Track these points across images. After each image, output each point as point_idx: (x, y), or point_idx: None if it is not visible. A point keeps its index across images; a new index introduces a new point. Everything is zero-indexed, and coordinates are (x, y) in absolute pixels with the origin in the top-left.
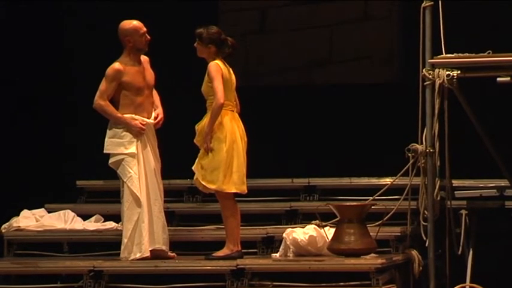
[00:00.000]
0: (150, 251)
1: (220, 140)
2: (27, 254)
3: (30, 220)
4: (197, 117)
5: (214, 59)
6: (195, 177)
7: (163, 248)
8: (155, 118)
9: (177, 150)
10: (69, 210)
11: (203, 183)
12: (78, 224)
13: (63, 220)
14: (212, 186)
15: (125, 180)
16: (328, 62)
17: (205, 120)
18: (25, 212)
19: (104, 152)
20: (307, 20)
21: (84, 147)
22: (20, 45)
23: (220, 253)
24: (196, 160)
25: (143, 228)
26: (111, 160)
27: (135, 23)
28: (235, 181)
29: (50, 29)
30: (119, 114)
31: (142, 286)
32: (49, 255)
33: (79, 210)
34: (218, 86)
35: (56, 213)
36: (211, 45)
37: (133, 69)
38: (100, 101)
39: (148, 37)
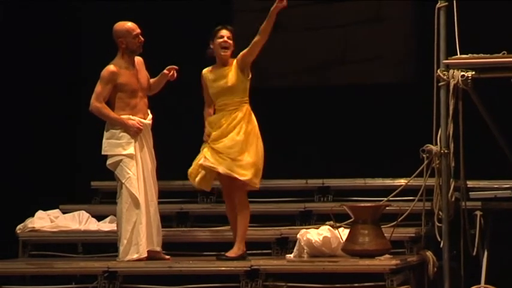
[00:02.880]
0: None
1: (254, 131)
2: (42, 254)
3: (45, 221)
4: None
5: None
6: (222, 169)
7: (158, 249)
8: (168, 70)
9: (190, 151)
10: (83, 211)
11: (233, 174)
12: (93, 224)
13: (78, 221)
14: (243, 178)
15: (123, 181)
16: (342, 62)
17: (229, 117)
18: (40, 213)
19: (102, 153)
20: (321, 20)
21: (98, 148)
22: (34, 46)
23: (232, 253)
24: (213, 152)
25: (141, 229)
26: (109, 161)
27: (129, 24)
28: (260, 177)
29: (60, 31)
30: (116, 115)
31: (156, 287)
32: (64, 256)
33: (93, 211)
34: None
35: (71, 214)
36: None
37: (127, 71)
38: (96, 103)
39: (142, 39)
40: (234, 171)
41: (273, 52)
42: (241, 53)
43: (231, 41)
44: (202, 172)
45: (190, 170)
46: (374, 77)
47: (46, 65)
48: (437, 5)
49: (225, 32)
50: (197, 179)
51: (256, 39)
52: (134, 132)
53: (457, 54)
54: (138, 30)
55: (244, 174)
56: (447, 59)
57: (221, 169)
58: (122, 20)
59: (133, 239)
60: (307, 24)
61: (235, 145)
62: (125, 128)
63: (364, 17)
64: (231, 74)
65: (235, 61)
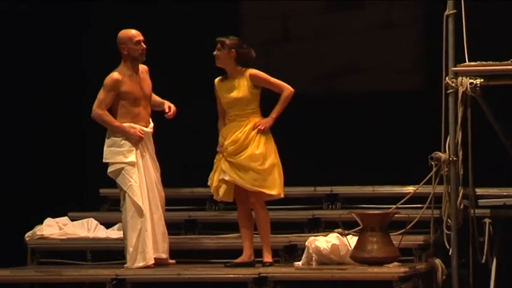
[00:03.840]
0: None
1: (272, 141)
2: (50, 262)
3: (54, 228)
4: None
5: (236, 66)
6: (250, 186)
7: (164, 256)
8: (168, 108)
9: (199, 158)
10: (92, 219)
11: (262, 190)
12: (101, 232)
13: (87, 228)
14: (273, 192)
15: (125, 189)
16: (351, 70)
17: (243, 130)
18: (48, 220)
19: (103, 161)
20: (330, 28)
21: None
22: (43, 51)
23: (268, 259)
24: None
25: (146, 237)
26: (110, 169)
27: (132, 31)
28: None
29: (69, 35)
30: (118, 123)
31: None
32: (72, 264)
33: (102, 219)
34: (275, 79)
35: (79, 221)
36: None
37: (131, 79)
38: (98, 110)
39: (144, 46)
40: (262, 187)
41: (282, 60)
42: (259, 74)
43: (216, 52)
44: (224, 186)
45: (213, 185)
46: (383, 84)
47: (56, 73)
48: (446, 13)
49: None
50: (220, 193)
51: (283, 94)
52: (135, 141)
53: (465, 62)
54: (140, 38)
55: (272, 188)
56: (456, 67)
57: (248, 185)
58: (127, 27)
59: (139, 246)
60: (317, 32)
61: (257, 159)
62: (126, 136)
63: (373, 25)
64: (242, 85)
65: (248, 73)
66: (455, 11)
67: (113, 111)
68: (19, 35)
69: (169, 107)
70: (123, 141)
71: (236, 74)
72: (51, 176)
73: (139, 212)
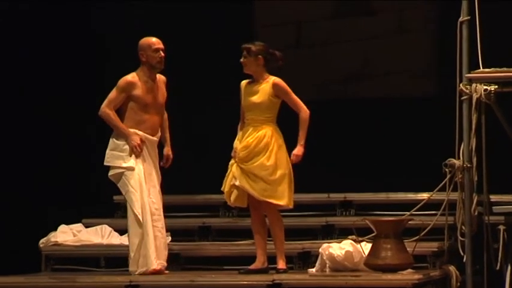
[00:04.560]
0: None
1: (284, 149)
2: (64, 269)
3: (68, 235)
4: (232, 132)
5: (263, 72)
6: (257, 194)
7: (165, 264)
8: (165, 157)
9: (212, 165)
10: (106, 225)
11: (271, 201)
12: (115, 238)
13: (100, 235)
14: (282, 203)
15: (124, 194)
16: (364, 76)
17: (255, 136)
18: (62, 227)
19: (104, 164)
20: (343, 33)
21: None
22: (58, 58)
23: (282, 266)
24: (243, 176)
25: (147, 242)
26: (110, 173)
27: (153, 39)
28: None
29: (85, 41)
30: (122, 126)
31: None
32: (86, 270)
33: (116, 225)
34: (296, 97)
35: (93, 228)
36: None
37: (145, 85)
38: (106, 109)
39: (163, 54)
40: (271, 197)
41: (295, 66)
42: (282, 84)
43: (243, 59)
44: (236, 191)
45: (225, 190)
46: (396, 90)
47: (68, 79)
48: (460, 19)
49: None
50: (232, 198)
51: (300, 117)
52: (133, 148)
53: (479, 68)
54: (160, 46)
55: (281, 199)
56: (470, 73)
57: (256, 194)
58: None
59: (141, 252)
60: (329, 38)
61: (266, 170)
62: (127, 140)
63: (386, 31)
64: (264, 91)
65: (272, 81)
66: (469, 17)
67: (121, 112)
68: (19, 35)
69: (167, 156)
70: (126, 146)
71: (262, 79)
72: (65, 182)
73: (137, 218)
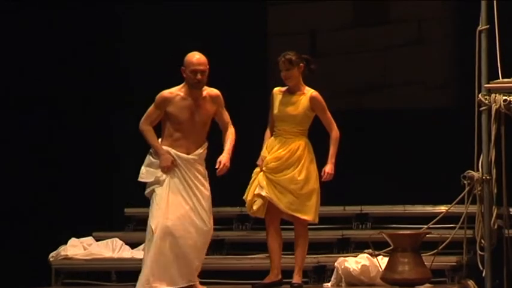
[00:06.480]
0: None
1: (314, 164)
2: (75, 283)
3: (78, 248)
4: (244, 144)
5: (301, 80)
6: (284, 208)
7: (184, 284)
8: (218, 162)
9: (226, 178)
10: (117, 239)
11: (297, 215)
12: (127, 252)
13: (111, 248)
14: (307, 218)
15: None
16: (382, 87)
17: (288, 148)
18: (73, 241)
19: (138, 179)
20: (360, 43)
21: (132, 175)
22: (72, 69)
23: (297, 280)
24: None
25: (146, 259)
26: (146, 190)
27: (196, 57)
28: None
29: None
30: (156, 143)
31: None
32: (97, 285)
33: (127, 239)
34: (330, 116)
35: (104, 241)
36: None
37: (182, 102)
38: (143, 125)
39: (199, 77)
40: (297, 211)
41: (313, 76)
42: (320, 99)
43: (286, 73)
44: (259, 201)
45: (247, 198)
46: (414, 101)
47: (81, 90)
48: (479, 28)
49: (281, 65)
50: (255, 208)
51: (332, 136)
52: (162, 167)
53: (498, 78)
54: (198, 68)
55: (308, 214)
56: (489, 83)
57: (282, 206)
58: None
59: (154, 269)
60: (347, 48)
61: (297, 184)
62: (159, 159)
63: (405, 41)
64: (301, 103)
65: (310, 94)
66: (488, 26)
67: (162, 127)
68: (20, 35)
69: (219, 162)
70: None
71: (299, 90)
72: (76, 195)
73: (152, 235)
